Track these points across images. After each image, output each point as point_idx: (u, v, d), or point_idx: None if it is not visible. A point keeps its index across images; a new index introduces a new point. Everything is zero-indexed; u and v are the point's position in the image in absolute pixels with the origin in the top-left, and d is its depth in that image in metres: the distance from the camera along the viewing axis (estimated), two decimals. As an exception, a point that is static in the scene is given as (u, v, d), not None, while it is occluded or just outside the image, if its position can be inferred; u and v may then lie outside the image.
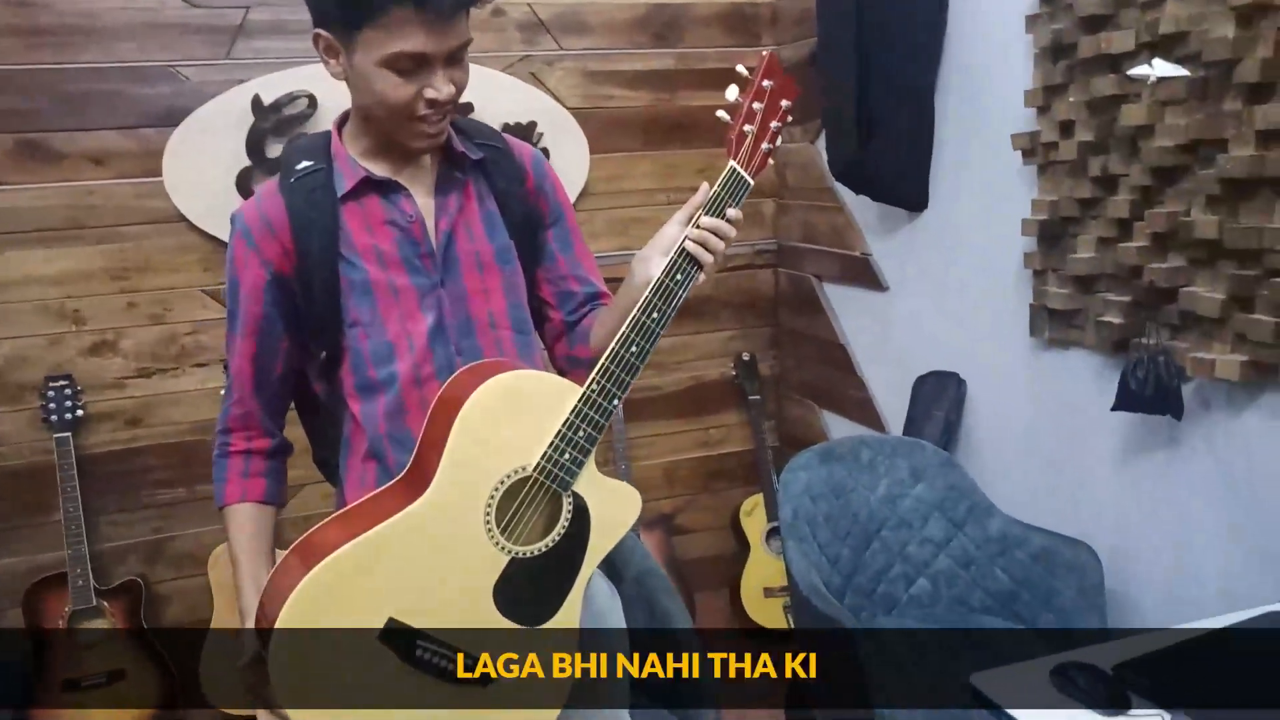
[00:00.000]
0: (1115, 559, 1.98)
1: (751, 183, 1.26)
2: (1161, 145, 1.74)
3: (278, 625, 1.09)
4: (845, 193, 2.82)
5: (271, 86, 2.63)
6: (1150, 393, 1.79)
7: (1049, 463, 2.19)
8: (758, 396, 3.25)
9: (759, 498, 3.14)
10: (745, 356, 3.26)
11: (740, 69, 1.28)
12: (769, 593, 3.06)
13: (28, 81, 2.51)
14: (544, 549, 1.20)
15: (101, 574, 2.65)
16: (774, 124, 1.27)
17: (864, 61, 2.48)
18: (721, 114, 1.27)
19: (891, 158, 2.50)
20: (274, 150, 2.64)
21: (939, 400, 2.48)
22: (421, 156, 1.32)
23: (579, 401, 1.20)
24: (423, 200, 1.31)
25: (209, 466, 2.80)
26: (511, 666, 1.18)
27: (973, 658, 1.91)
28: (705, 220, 1.23)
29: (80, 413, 2.59)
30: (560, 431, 1.19)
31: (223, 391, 1.35)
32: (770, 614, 3.04)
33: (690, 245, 1.23)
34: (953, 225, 2.44)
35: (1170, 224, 1.75)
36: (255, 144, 2.62)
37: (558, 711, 1.21)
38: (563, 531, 1.20)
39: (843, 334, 3.00)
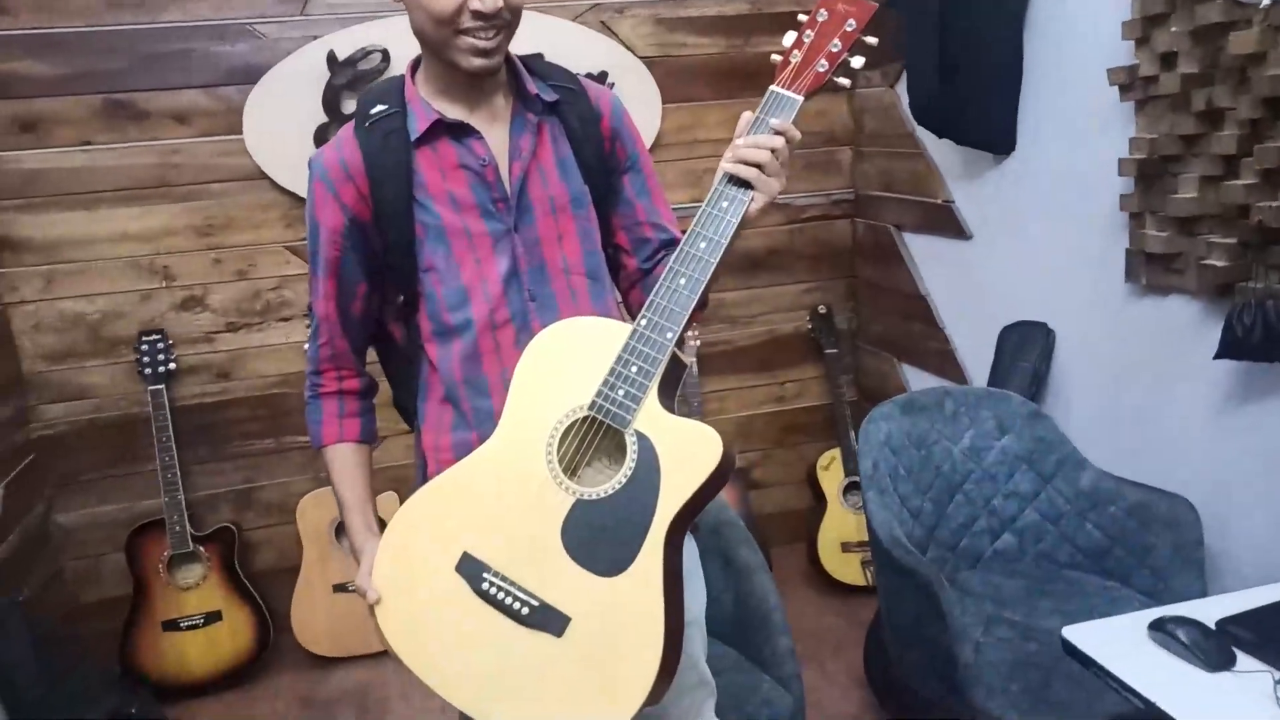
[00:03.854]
0: (1212, 514, 1.90)
1: (798, 99, 1.19)
2: (1273, 74, 1.62)
3: (375, 557, 1.21)
4: (927, 138, 2.72)
5: (345, 42, 2.64)
6: (1257, 339, 1.69)
7: (1142, 414, 2.10)
8: (834, 350, 3.19)
9: (836, 452, 3.10)
10: (821, 309, 3.20)
11: (801, 16, 1.23)
12: (846, 548, 3.02)
13: (111, 42, 2.56)
14: (610, 491, 1.17)
15: (196, 521, 2.75)
16: (834, 43, 1.19)
17: (948, -2, 2.37)
18: (775, 57, 1.23)
19: (976, 98, 2.40)
20: (349, 106, 2.66)
21: (1026, 351, 2.40)
22: (494, 98, 1.30)
23: (629, 337, 1.18)
24: (496, 144, 1.29)
25: (296, 418, 2.90)
26: (587, 616, 1.15)
27: (1061, 615, 1.86)
28: (741, 139, 1.19)
29: (173, 366, 2.68)
30: (612, 367, 1.17)
31: (309, 333, 1.37)
32: (847, 569, 3.01)
33: (727, 165, 1.19)
34: (1041, 168, 2.34)
35: (1283, 159, 1.64)
36: (331, 100, 2.64)
37: (652, 672, 1.12)
38: (629, 473, 1.16)
39: (923, 284, 2.91)
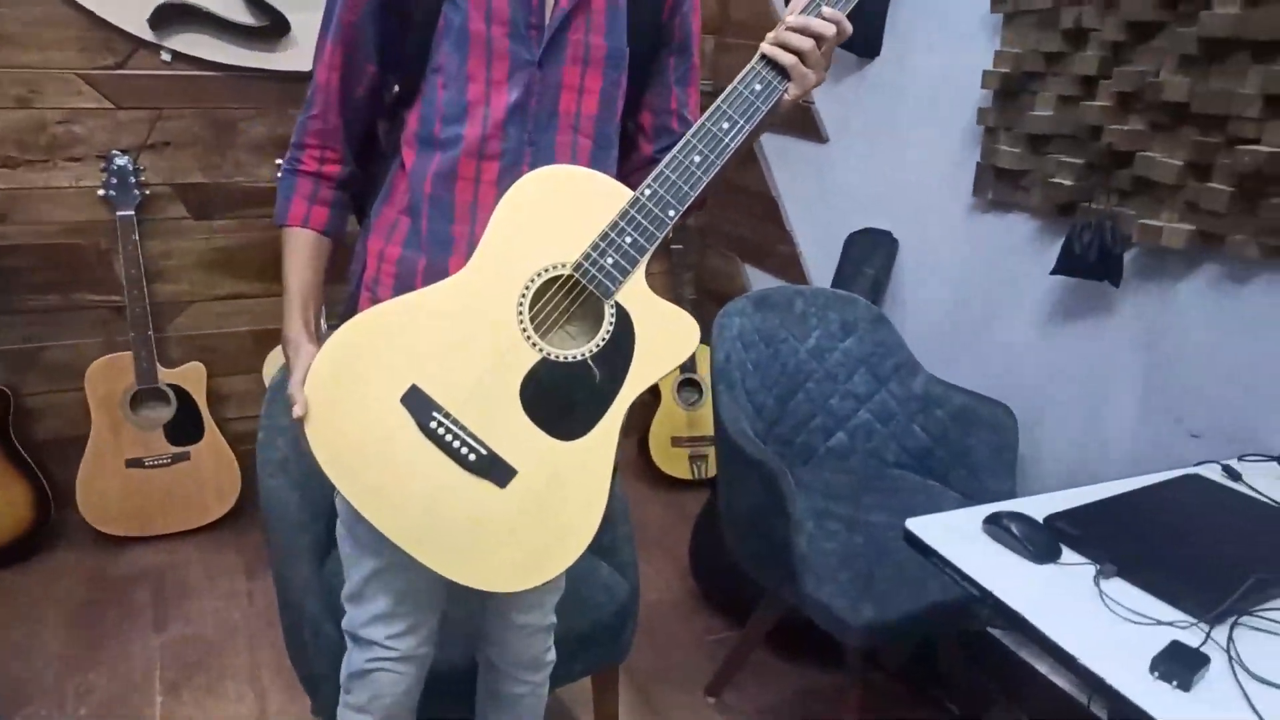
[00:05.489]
0: (1031, 421, 2.02)
1: None
2: (1142, -2, 1.66)
3: (313, 365, 1.11)
4: (793, 34, 2.67)
5: None
6: (1093, 258, 1.78)
7: (975, 324, 2.19)
8: (680, 246, 3.16)
9: (673, 348, 3.09)
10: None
11: None
12: (676, 442, 3.06)
13: None
14: (580, 356, 1.13)
15: (-38, 382, 2.43)
16: None
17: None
18: None
19: (849, -3, 2.36)
20: (164, -85, 2.31)
21: (869, 258, 2.44)
22: None
23: (628, 204, 1.11)
24: None
25: (89, 273, 2.59)
26: (533, 473, 1.11)
27: (885, 510, 1.94)
28: (790, 19, 1.11)
29: (-67, 201, 2.31)
30: (605, 232, 1.11)
31: (304, 102, 1.24)
32: (676, 463, 3.06)
33: (765, 47, 1.11)
34: (905, 75, 2.34)
35: (1137, 84, 1.69)
36: (141, -96, 2.28)
37: (581, 547, 1.13)
38: (602, 342, 1.12)
39: (774, 186, 2.91)
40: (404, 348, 1.12)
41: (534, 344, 1.12)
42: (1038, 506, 1.36)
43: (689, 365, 3.07)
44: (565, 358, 1.13)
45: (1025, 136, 1.96)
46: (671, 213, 1.11)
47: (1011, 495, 1.92)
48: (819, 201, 2.72)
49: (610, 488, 1.89)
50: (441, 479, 1.11)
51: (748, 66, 1.13)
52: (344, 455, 1.11)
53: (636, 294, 1.13)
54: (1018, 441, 1.96)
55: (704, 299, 3.33)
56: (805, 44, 1.10)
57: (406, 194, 1.22)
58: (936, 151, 2.26)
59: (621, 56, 1.23)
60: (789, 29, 1.11)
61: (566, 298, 1.15)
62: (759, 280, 3.04)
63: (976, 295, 2.18)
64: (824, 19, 1.11)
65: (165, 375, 2.56)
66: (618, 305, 1.13)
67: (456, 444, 1.11)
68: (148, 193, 2.51)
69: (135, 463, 2.53)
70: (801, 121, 2.70)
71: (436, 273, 1.16)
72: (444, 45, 1.16)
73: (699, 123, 1.12)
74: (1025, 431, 1.99)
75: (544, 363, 1.12)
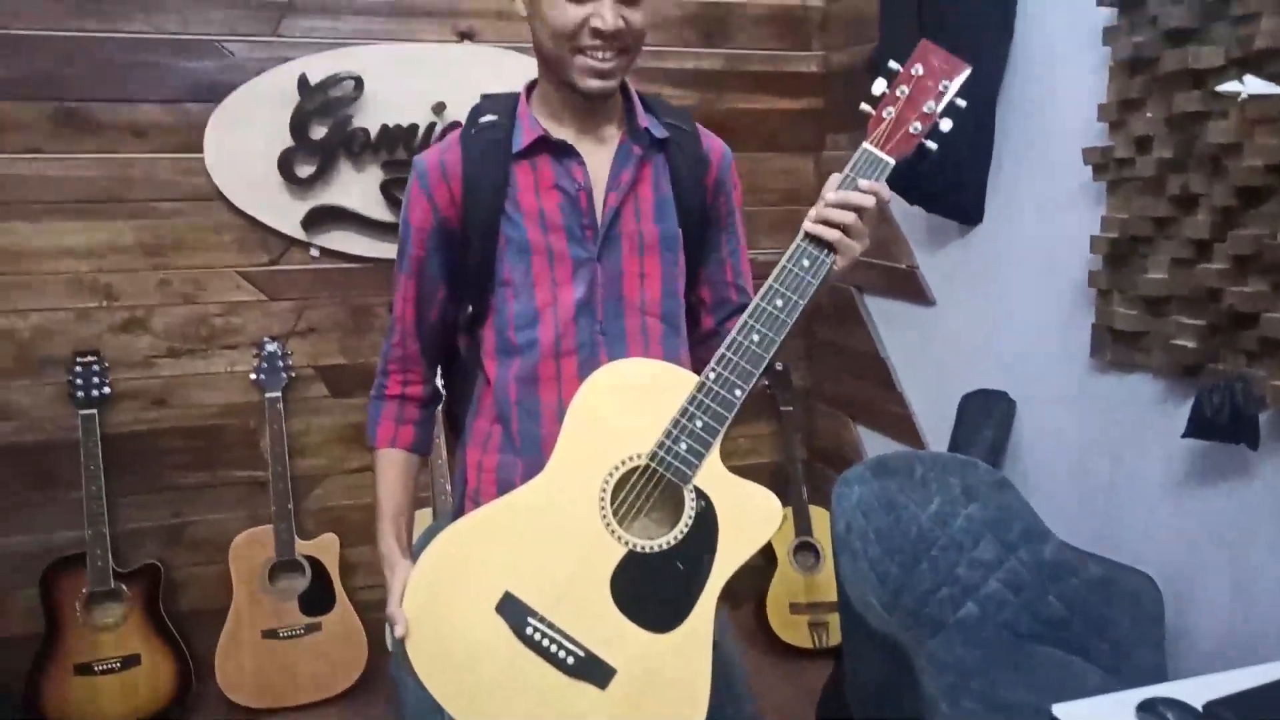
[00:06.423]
0: (1171, 592, 1.91)
1: (890, 161, 1.16)
2: (1250, 165, 1.68)
3: (409, 583, 1.15)
4: (894, 203, 2.76)
5: (318, 67, 2.58)
6: (1225, 421, 1.73)
7: (1102, 488, 2.13)
8: (790, 408, 3.19)
9: (786, 511, 3.08)
10: (779, 366, 3.20)
11: (892, 64, 1.20)
12: (795, 609, 2.99)
13: (68, 48, 2.46)
14: (665, 545, 1.14)
15: (118, 556, 2.59)
16: (928, 104, 1.17)
17: (925, 69, 2.42)
18: (865, 107, 1.19)
19: (948, 168, 2.45)
20: (317, 132, 2.59)
21: (986, 419, 2.42)
22: (604, 125, 1.28)
23: (695, 389, 1.15)
24: (597, 170, 1.27)
25: (235, 452, 2.76)
26: (633, 670, 1.11)
27: (1024, 687, 1.84)
28: (829, 195, 1.16)
29: (107, 390, 2.54)
30: (675, 419, 1.14)
31: (385, 331, 1.37)
32: (795, 631, 2.98)
33: (809, 225, 1.16)
34: (1009, 239, 2.38)
35: (1254, 246, 1.69)
36: (299, 125, 2.57)
37: None
38: (686, 529, 1.14)
39: (882, 347, 2.93)
40: (493, 555, 1.14)
41: (619, 537, 1.14)
42: (1194, 690, 1.29)
43: (805, 529, 3.03)
44: (651, 548, 1.14)
45: (1141, 298, 1.95)
46: (738, 392, 1.14)
47: (1161, 672, 1.81)
48: (929, 362, 2.73)
49: (732, 659, 1.87)
50: (542, 686, 1.11)
51: (794, 244, 1.17)
52: (445, 670, 1.12)
53: (714, 476, 1.15)
54: (1163, 613, 1.86)
55: (815, 459, 3.32)
56: (847, 218, 1.15)
57: (494, 405, 1.29)
58: (1048, 313, 2.26)
59: (675, 239, 1.31)
60: (829, 205, 1.15)
61: (647, 487, 1.17)
62: (870, 440, 3.03)
63: (1103, 458, 2.13)
64: (862, 191, 1.15)
65: (301, 547, 2.68)
66: (697, 489, 1.14)
67: (554, 648, 1.11)
68: (294, 375, 2.71)
69: (270, 634, 2.62)
70: (906, 284, 2.75)
71: (535, 476, 1.19)
72: (506, 259, 1.25)
73: (754, 303, 1.16)
74: (1171, 603, 1.89)
75: (631, 555, 1.13)
